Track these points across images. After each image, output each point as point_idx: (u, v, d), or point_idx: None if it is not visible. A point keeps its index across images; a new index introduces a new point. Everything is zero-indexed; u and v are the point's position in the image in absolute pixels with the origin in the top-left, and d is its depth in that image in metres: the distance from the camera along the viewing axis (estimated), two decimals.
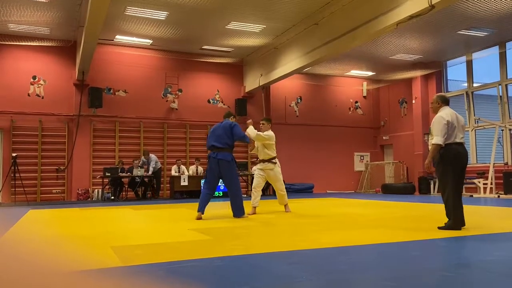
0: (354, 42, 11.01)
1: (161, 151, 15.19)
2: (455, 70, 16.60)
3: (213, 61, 15.79)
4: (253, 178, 8.40)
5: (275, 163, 7.74)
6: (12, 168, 12.34)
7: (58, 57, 14.13)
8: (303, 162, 17.23)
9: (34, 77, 13.85)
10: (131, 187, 13.88)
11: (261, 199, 7.83)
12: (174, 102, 15.46)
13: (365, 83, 18.73)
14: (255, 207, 7.60)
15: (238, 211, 6.89)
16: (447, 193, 5.11)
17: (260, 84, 15.31)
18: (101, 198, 13.50)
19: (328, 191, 17.38)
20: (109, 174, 13.14)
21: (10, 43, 13.22)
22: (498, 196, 12.43)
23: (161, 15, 11.91)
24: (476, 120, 14.28)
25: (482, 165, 14.37)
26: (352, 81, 18.66)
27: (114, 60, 14.70)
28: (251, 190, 7.91)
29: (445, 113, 5.10)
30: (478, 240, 4.65)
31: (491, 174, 13.08)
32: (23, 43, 13.32)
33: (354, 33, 10.58)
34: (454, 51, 15.30)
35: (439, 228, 5.13)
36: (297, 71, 14.20)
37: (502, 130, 14.13)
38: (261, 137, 7.50)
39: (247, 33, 13.42)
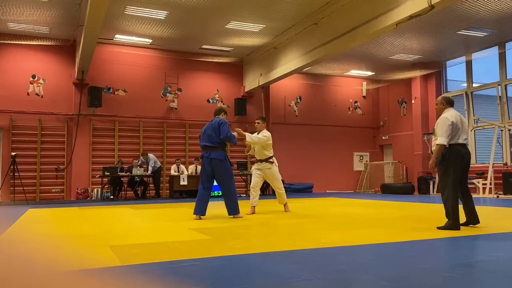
0: (353, 42, 11.01)
1: (161, 150, 15.19)
2: (455, 70, 16.61)
3: (213, 60, 15.79)
4: (251, 177, 8.39)
5: (272, 162, 7.74)
6: (12, 167, 12.34)
7: (57, 56, 14.12)
8: (302, 162, 17.23)
9: (33, 76, 13.84)
10: (130, 187, 13.88)
11: (260, 198, 7.83)
12: (173, 101, 15.45)
13: (364, 83, 18.73)
14: (254, 207, 7.59)
15: (232, 210, 6.86)
16: (446, 193, 5.12)
17: (259, 84, 15.31)
18: (100, 197, 13.50)
19: (327, 191, 17.38)
20: (109, 174, 13.14)
21: (9, 42, 13.21)
22: (497, 196, 12.44)
23: (161, 14, 11.90)
24: (476, 120, 14.29)
25: (481, 165, 14.38)
26: (352, 81, 18.67)
27: (114, 59, 14.70)
28: (250, 189, 7.91)
29: (450, 114, 5.17)
30: (477, 240, 4.66)
31: (490, 174, 13.09)
32: (23, 42, 13.31)
33: (353, 33, 10.58)
34: (453, 51, 15.31)
35: (438, 228, 5.14)
36: (297, 71, 14.20)
37: (502, 130, 14.14)
38: (262, 140, 7.48)
39: (247, 32, 13.41)
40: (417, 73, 16.37)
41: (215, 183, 7.11)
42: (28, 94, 13.73)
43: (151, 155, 14.00)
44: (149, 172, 13.74)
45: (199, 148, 15.98)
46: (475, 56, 15.31)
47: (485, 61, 15.67)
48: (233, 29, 13.08)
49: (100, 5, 8.98)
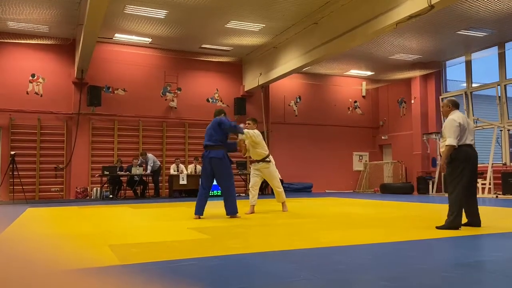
0: (353, 41, 11.01)
1: (160, 149, 15.18)
2: (454, 70, 16.60)
3: (212, 60, 15.78)
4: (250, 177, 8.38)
5: (269, 161, 7.75)
6: (11, 166, 12.33)
7: (57, 55, 14.11)
8: (302, 161, 17.23)
9: (33, 75, 13.83)
10: (130, 186, 13.87)
11: (259, 198, 7.84)
12: (173, 100, 15.45)
13: (364, 83, 18.73)
14: (253, 206, 7.60)
15: (230, 210, 6.84)
16: (455, 194, 5.16)
17: (259, 83, 15.31)
18: (99, 196, 13.49)
19: (326, 191, 17.38)
20: (108, 173, 13.14)
21: (9, 40, 13.20)
22: (497, 197, 12.45)
23: (161, 13, 11.90)
24: (475, 121, 14.29)
25: (480, 166, 14.29)
26: (351, 81, 18.66)
27: (113, 58, 14.69)
28: (249, 189, 7.93)
29: (457, 116, 5.29)
30: (477, 240, 4.66)
31: (489, 174, 13.09)
32: (22, 41, 13.30)
33: (353, 32, 10.58)
34: (453, 51, 15.31)
35: (438, 228, 5.15)
36: (297, 71, 14.21)
37: (501, 130, 14.14)
38: (248, 135, 7.42)
39: (247, 32, 13.41)
40: (417, 73, 16.37)
41: (214, 183, 7.12)
42: (27, 93, 13.72)
43: (150, 155, 14.00)
44: (148, 171, 13.74)
45: (199, 148, 16.00)
46: (475, 56, 15.32)
47: (485, 61, 15.68)
48: (233, 28, 13.07)
49: (100, 4, 8.97)
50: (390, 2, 9.35)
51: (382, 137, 18.83)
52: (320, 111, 18.03)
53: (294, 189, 16.16)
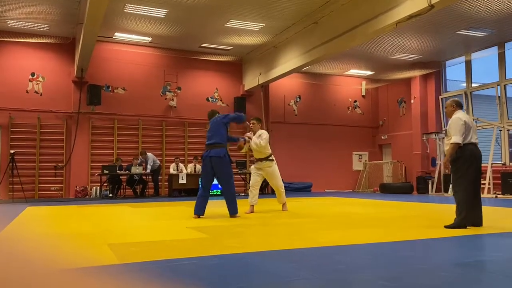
0: (353, 41, 11.01)
1: (160, 149, 15.18)
2: (454, 70, 16.60)
3: (212, 59, 15.77)
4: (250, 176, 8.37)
5: (273, 160, 7.74)
6: (10, 165, 12.31)
7: (57, 54, 14.10)
8: (301, 161, 17.23)
9: (32, 74, 13.82)
10: (129, 185, 13.87)
11: (259, 197, 7.82)
12: (173, 100, 15.44)
13: (364, 83, 18.73)
14: (253, 206, 7.59)
15: (232, 210, 6.86)
16: (462, 192, 5.21)
17: (259, 83, 15.30)
18: (99, 195, 13.49)
19: (326, 190, 17.38)
20: (108, 172, 13.13)
21: (8, 39, 13.18)
22: (496, 196, 12.46)
23: (161, 12, 11.89)
24: (475, 120, 14.26)
25: None
26: (351, 81, 18.66)
27: (113, 57, 14.68)
28: (249, 188, 7.91)
29: (462, 115, 5.38)
30: (477, 240, 4.66)
31: (489, 174, 13.09)
32: (22, 40, 13.29)
33: (353, 32, 10.57)
34: (453, 51, 15.30)
35: (446, 227, 5.17)
36: (296, 70, 14.20)
37: (500, 130, 14.14)
38: (262, 144, 7.44)
39: (246, 31, 13.40)
40: (417, 73, 16.37)
41: (215, 182, 7.13)
42: (27, 92, 13.71)
43: (150, 154, 13.99)
44: (148, 170, 13.73)
45: (198, 147, 16.00)
46: (475, 56, 15.31)
47: (485, 61, 15.67)
48: (233, 27, 13.06)
49: (100, 3, 8.96)
50: (390, 1, 9.35)
51: (382, 137, 18.83)
52: (320, 110, 18.03)
53: (293, 189, 16.16)
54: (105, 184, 13.61)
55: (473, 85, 15.53)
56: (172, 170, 14.33)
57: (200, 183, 7.06)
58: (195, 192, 13.92)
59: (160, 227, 5.89)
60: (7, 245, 4.49)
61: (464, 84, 15.80)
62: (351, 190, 17.89)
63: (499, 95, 14.43)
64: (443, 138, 15.52)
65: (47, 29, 13.06)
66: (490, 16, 11.72)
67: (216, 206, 8.95)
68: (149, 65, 15.21)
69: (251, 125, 7.75)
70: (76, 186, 13.86)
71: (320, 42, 11.84)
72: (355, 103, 18.91)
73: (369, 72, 17.65)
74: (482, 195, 12.55)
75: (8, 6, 11.11)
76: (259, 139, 7.51)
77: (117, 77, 14.75)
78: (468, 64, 15.58)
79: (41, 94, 13.86)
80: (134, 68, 14.97)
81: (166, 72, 15.44)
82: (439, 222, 5.29)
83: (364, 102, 19.08)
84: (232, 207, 6.85)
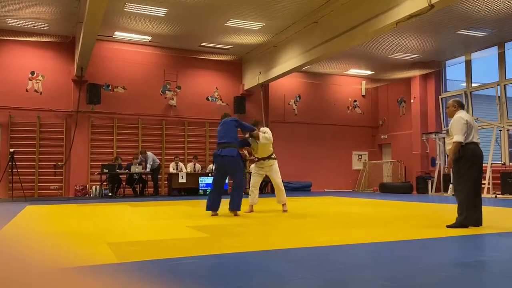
0: (353, 41, 11.00)
1: (159, 148, 15.17)
2: (454, 70, 16.59)
3: (212, 58, 15.76)
4: (250, 176, 8.36)
5: (275, 158, 7.77)
6: (10, 163, 12.31)
7: (56, 53, 14.09)
8: (301, 160, 17.23)
9: (32, 73, 13.81)
10: (129, 184, 13.86)
11: (259, 197, 7.82)
12: (172, 99, 15.44)
13: (364, 82, 18.72)
14: (252, 205, 7.60)
15: (234, 206, 6.89)
16: (464, 192, 5.21)
17: (259, 82, 15.29)
18: (98, 194, 13.48)
19: (326, 190, 17.38)
20: (107, 171, 13.13)
21: (8, 38, 13.17)
22: (496, 196, 12.46)
23: (161, 11, 11.88)
24: (474, 120, 14.29)
25: None
26: (351, 80, 18.66)
27: (113, 56, 14.67)
28: (249, 188, 7.90)
29: (464, 114, 5.41)
30: (477, 240, 4.66)
31: (488, 174, 13.09)
32: (22, 38, 13.27)
33: (353, 32, 10.57)
34: (453, 51, 15.30)
35: (448, 226, 5.18)
36: (296, 69, 14.20)
37: (500, 130, 14.14)
38: (268, 138, 7.51)
39: (247, 30, 13.39)
40: (417, 73, 16.36)
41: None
42: (27, 91, 13.71)
43: (149, 153, 13.99)
44: (148, 169, 13.72)
45: (198, 146, 15.94)
46: (475, 56, 15.31)
47: (485, 61, 15.66)
48: (233, 27, 13.06)
49: (100, 2, 8.95)
50: (390, 1, 9.34)
51: (382, 137, 18.83)
52: (319, 110, 18.02)
53: (293, 188, 16.16)
54: (104, 183, 13.60)
55: (473, 85, 15.53)
56: (171, 169, 14.32)
57: (212, 181, 7.25)
58: (194, 192, 14.03)
59: (160, 226, 5.88)
60: (7, 244, 4.48)
61: (464, 84, 15.80)
62: (351, 190, 17.89)
63: (499, 95, 14.43)
64: (443, 138, 15.54)
65: (47, 27, 13.05)
66: (490, 16, 11.72)
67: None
68: (149, 64, 15.20)
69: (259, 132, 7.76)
70: (75, 185, 13.85)
71: (320, 41, 11.83)
72: (355, 103, 18.90)
73: (369, 72, 17.65)
74: (482, 195, 12.54)
75: (8, 5, 11.10)
76: (265, 135, 7.55)
77: (117, 76, 14.74)
78: (468, 64, 15.58)
79: (40, 93, 13.85)
80: (134, 67, 14.96)
81: (166, 71, 15.43)
82: (438, 222, 5.29)
83: (364, 102, 19.08)
84: (235, 203, 6.88)
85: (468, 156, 5.21)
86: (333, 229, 5.50)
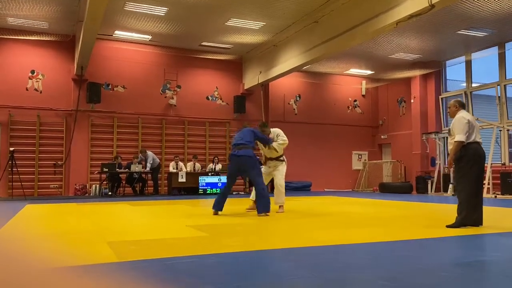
0: (353, 40, 11.00)
1: (159, 147, 15.17)
2: (454, 70, 16.59)
3: (212, 57, 15.76)
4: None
5: (283, 160, 7.77)
6: (10, 162, 12.31)
7: (56, 51, 14.09)
8: (301, 160, 17.21)
9: (32, 72, 13.80)
10: (129, 183, 13.86)
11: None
12: (172, 98, 15.43)
13: (364, 82, 18.72)
14: (254, 201, 7.54)
15: (262, 209, 6.84)
16: (464, 192, 5.21)
17: (259, 82, 15.29)
18: (98, 193, 13.48)
19: (325, 190, 17.38)
20: (107, 170, 13.13)
21: (8, 37, 13.17)
22: (495, 197, 12.45)
23: (161, 11, 11.88)
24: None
25: None
26: (351, 80, 18.65)
27: (113, 55, 14.66)
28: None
29: (465, 114, 5.42)
30: (476, 240, 4.66)
31: (488, 174, 13.08)
32: (22, 37, 13.26)
33: (353, 31, 10.56)
34: (453, 51, 15.29)
35: (448, 226, 5.18)
36: (296, 69, 14.19)
37: (500, 130, 14.14)
38: (286, 141, 7.64)
39: (247, 30, 13.39)
40: (417, 73, 16.36)
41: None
42: (27, 90, 13.70)
43: (149, 152, 13.99)
44: (148, 169, 13.72)
45: (198, 146, 15.97)
46: (475, 56, 15.30)
47: (485, 61, 15.66)
48: (233, 26, 13.05)
49: (100, 1, 8.95)
50: (390, 1, 9.34)
51: (382, 136, 18.83)
52: (319, 110, 18.02)
53: (293, 188, 16.15)
54: (104, 182, 13.61)
55: (473, 85, 15.53)
56: (171, 169, 14.32)
57: (226, 179, 7.41)
58: (194, 191, 14.02)
59: (160, 225, 5.88)
60: (6, 243, 4.48)
61: (464, 84, 15.80)
62: (351, 190, 17.89)
63: (499, 95, 14.43)
64: (443, 138, 15.55)
65: (47, 26, 13.04)
66: (491, 16, 11.72)
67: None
68: (149, 63, 15.20)
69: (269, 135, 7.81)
70: (75, 184, 13.85)
71: (320, 41, 11.83)
72: (355, 103, 18.90)
73: (369, 72, 17.65)
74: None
75: (8, 4, 11.10)
76: (280, 138, 7.62)
77: (117, 75, 14.73)
78: (468, 64, 15.57)
79: (40, 92, 13.85)
80: (134, 66, 14.96)
81: (166, 70, 15.42)
82: (438, 222, 5.29)
83: (364, 102, 19.07)
84: (261, 205, 6.86)
85: (470, 156, 5.20)
86: (333, 229, 5.49)
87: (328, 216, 7.08)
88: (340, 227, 5.70)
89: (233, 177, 7.25)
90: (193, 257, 3.52)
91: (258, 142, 7.54)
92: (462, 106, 5.56)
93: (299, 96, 17.84)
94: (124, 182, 13.86)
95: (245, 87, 16.35)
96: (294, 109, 17.73)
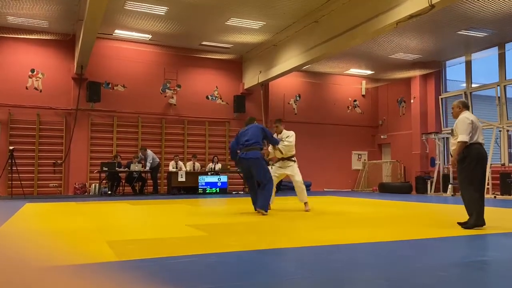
0: (353, 40, 10.99)
1: (159, 146, 15.17)
2: (454, 70, 16.58)
3: (212, 57, 15.75)
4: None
5: (294, 161, 7.93)
6: (9, 161, 12.30)
7: (56, 50, 14.08)
8: (301, 160, 16.87)
9: (32, 70, 13.80)
10: (128, 182, 13.86)
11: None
12: (172, 97, 15.43)
13: (364, 82, 18.72)
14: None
15: (261, 204, 7.03)
16: (469, 193, 5.21)
17: (259, 81, 15.29)
18: (98, 192, 13.47)
19: (325, 189, 17.38)
20: (107, 169, 13.12)
21: (8, 35, 13.16)
22: (495, 197, 12.46)
23: (161, 10, 11.87)
24: None
25: None
26: (351, 80, 18.65)
27: (113, 54, 14.66)
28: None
29: (469, 114, 5.42)
30: (476, 240, 4.66)
31: (488, 174, 13.09)
32: (22, 36, 13.26)
33: (353, 31, 10.56)
34: (453, 51, 15.29)
35: (459, 223, 5.20)
36: (296, 69, 14.19)
37: (500, 131, 14.14)
38: (292, 142, 7.84)
39: (247, 29, 13.39)
40: (417, 73, 16.36)
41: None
42: (26, 88, 13.69)
43: (149, 151, 13.98)
44: (147, 168, 13.72)
45: (198, 145, 15.91)
46: (475, 56, 15.30)
47: (485, 62, 15.65)
48: (233, 26, 13.05)
49: (100, 0, 8.94)
50: (390, 1, 9.33)
51: (381, 136, 18.83)
52: (319, 109, 18.02)
53: (292, 188, 16.09)
54: (104, 181, 13.60)
55: (473, 85, 15.52)
56: (171, 168, 14.32)
57: (247, 183, 7.64)
58: (194, 190, 14.01)
59: (159, 225, 5.88)
60: (5, 241, 4.48)
61: (464, 84, 15.79)
62: (350, 190, 17.89)
63: (499, 95, 14.43)
64: (443, 138, 15.56)
65: (47, 25, 13.04)
66: (491, 17, 11.71)
67: (216, 205, 8.96)
68: (149, 62, 15.19)
69: (275, 129, 7.99)
70: (75, 183, 13.85)
71: (320, 41, 11.83)
72: (355, 103, 18.90)
73: (369, 72, 17.65)
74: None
75: (9, 2, 11.10)
76: (286, 140, 7.80)
77: (117, 74, 14.73)
78: (468, 64, 15.57)
79: (40, 91, 13.84)
80: (134, 66, 14.95)
81: (166, 69, 15.42)
82: (438, 222, 5.29)
83: (364, 102, 19.07)
84: (262, 201, 7.06)
85: (473, 156, 5.20)
86: (333, 229, 5.50)
87: (327, 216, 7.08)
88: (340, 227, 5.70)
89: (250, 176, 7.34)
90: (192, 257, 3.52)
91: (278, 148, 7.70)
92: (466, 107, 5.55)
93: (299, 96, 17.84)
94: (123, 181, 13.85)
95: (245, 87, 16.34)
96: (294, 109, 17.73)
